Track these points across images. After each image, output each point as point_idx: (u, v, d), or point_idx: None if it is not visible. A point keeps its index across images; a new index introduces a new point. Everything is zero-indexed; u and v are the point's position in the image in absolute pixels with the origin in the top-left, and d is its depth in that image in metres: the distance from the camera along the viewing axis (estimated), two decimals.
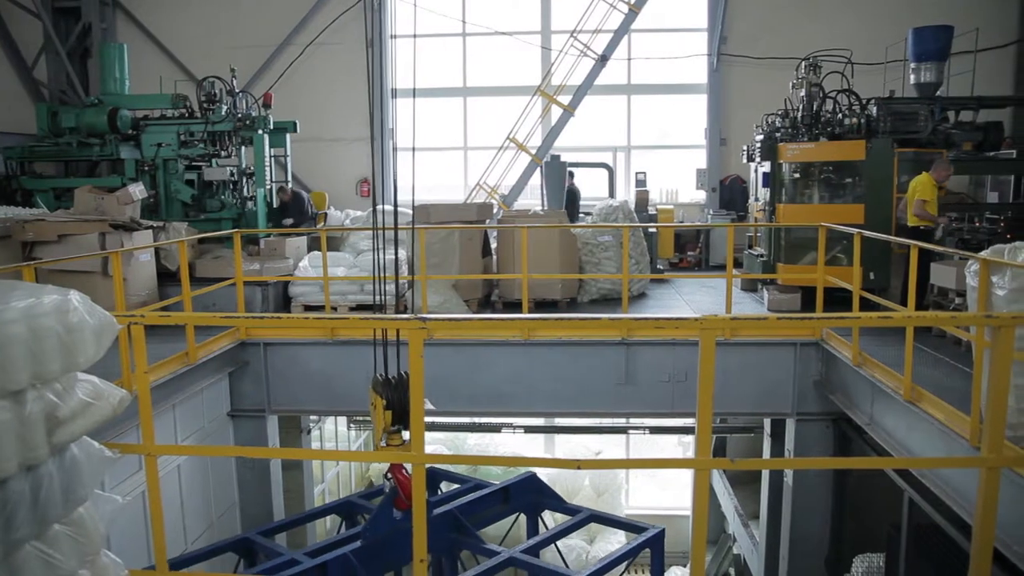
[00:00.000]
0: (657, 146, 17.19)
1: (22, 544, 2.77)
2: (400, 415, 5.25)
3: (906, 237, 7.79)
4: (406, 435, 5.15)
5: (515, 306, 10.09)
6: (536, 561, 6.16)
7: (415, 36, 15.97)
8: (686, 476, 15.83)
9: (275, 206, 12.24)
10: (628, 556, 6.18)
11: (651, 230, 12.48)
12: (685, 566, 14.07)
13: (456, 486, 7.65)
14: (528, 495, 7.25)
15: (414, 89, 15.38)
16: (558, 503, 7.25)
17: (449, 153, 17.16)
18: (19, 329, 2.69)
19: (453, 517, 6.47)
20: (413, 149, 5.94)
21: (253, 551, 6.50)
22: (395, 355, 5.27)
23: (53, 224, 9.48)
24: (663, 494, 16.98)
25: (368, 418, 15.05)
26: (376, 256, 5.51)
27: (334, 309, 9.87)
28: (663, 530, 6.28)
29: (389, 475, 5.74)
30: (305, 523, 8.55)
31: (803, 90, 10.81)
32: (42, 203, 11.77)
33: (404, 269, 10.52)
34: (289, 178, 13.87)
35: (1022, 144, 13.03)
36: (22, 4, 15.66)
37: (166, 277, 10.24)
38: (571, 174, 14.45)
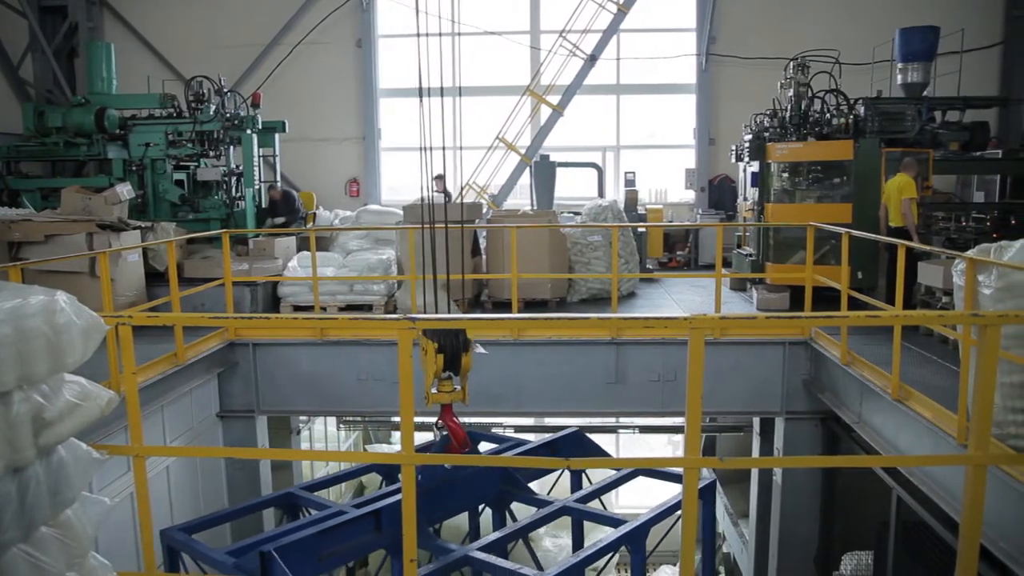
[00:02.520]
0: (646, 146, 17.21)
1: (9, 547, 2.75)
2: (452, 360, 5.20)
3: (891, 237, 7.85)
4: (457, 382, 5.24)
5: (505, 306, 10.09)
6: (589, 508, 6.10)
7: (405, 35, 15.85)
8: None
9: (264, 205, 12.21)
10: (679, 507, 6.07)
11: (640, 230, 12.51)
12: (675, 565, 14.10)
13: (494, 446, 7.55)
14: (573, 451, 7.15)
15: (411, 87, 15.27)
16: (603, 457, 7.14)
17: (437, 153, 17.10)
18: (5, 330, 2.67)
19: (502, 469, 6.39)
20: (461, 148, 5.94)
21: (296, 506, 6.42)
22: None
23: (40, 224, 9.41)
24: (652, 493, 16.99)
25: (358, 419, 15.00)
26: (422, 254, 5.45)
27: (323, 309, 9.84)
28: (715, 481, 6.23)
29: (440, 423, 5.67)
30: (348, 480, 8.32)
31: (791, 90, 10.86)
32: (29, 203, 11.68)
33: (393, 269, 10.51)
34: (278, 178, 13.82)
35: (1008, 144, 13.14)
36: (8, 3, 15.53)
37: (154, 277, 10.17)
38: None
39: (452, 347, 5.16)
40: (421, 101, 5.45)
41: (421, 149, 5.76)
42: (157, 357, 7.40)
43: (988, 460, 3.38)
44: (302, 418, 11.26)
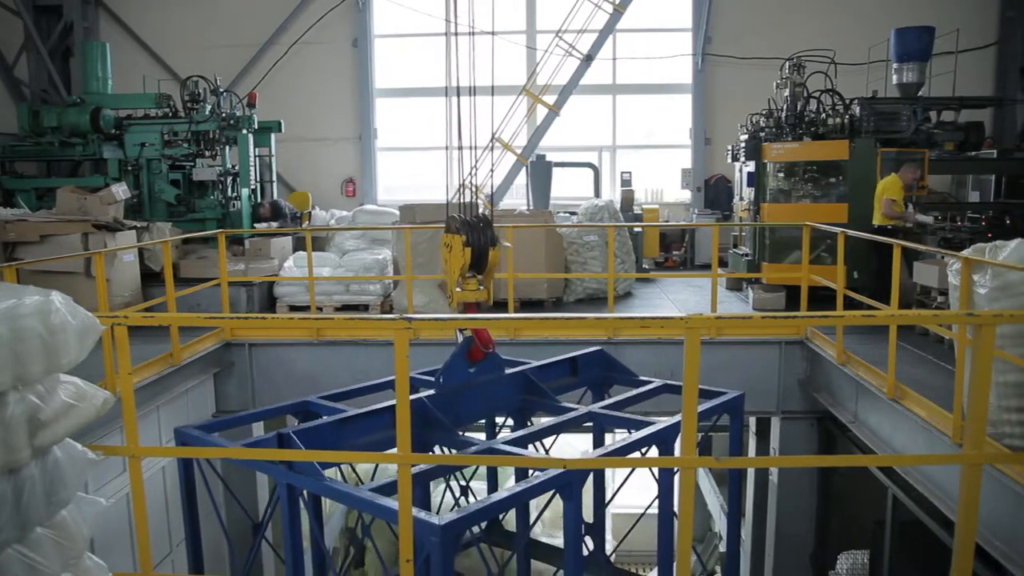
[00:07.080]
0: (642, 146, 17.21)
1: (4, 548, 2.75)
2: (478, 258, 5.20)
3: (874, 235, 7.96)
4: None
5: (501, 306, 10.10)
6: (620, 414, 5.92)
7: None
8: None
9: (253, 223, 12.17)
10: (706, 416, 5.91)
11: (636, 230, 12.51)
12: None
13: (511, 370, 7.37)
14: (596, 369, 6.87)
15: (407, 87, 15.14)
16: (627, 376, 6.93)
17: (434, 153, 17.11)
18: (0, 330, 2.66)
19: (524, 378, 6.29)
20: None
21: (314, 414, 6.29)
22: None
23: (35, 224, 9.40)
24: (649, 492, 17.00)
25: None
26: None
27: (319, 309, 9.83)
28: (743, 394, 6.14)
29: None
30: (368, 394, 8.26)
31: (787, 90, 10.88)
32: (23, 203, 11.65)
33: (390, 269, 10.51)
34: (274, 178, 13.81)
35: (1003, 144, 13.17)
36: (2, 2, 15.47)
37: (150, 278, 10.16)
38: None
39: (479, 242, 5.10)
40: (448, 99, 5.45)
41: (448, 148, 5.75)
42: (153, 357, 7.38)
43: (983, 459, 3.39)
44: None
